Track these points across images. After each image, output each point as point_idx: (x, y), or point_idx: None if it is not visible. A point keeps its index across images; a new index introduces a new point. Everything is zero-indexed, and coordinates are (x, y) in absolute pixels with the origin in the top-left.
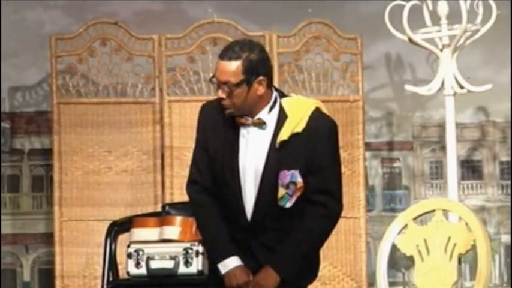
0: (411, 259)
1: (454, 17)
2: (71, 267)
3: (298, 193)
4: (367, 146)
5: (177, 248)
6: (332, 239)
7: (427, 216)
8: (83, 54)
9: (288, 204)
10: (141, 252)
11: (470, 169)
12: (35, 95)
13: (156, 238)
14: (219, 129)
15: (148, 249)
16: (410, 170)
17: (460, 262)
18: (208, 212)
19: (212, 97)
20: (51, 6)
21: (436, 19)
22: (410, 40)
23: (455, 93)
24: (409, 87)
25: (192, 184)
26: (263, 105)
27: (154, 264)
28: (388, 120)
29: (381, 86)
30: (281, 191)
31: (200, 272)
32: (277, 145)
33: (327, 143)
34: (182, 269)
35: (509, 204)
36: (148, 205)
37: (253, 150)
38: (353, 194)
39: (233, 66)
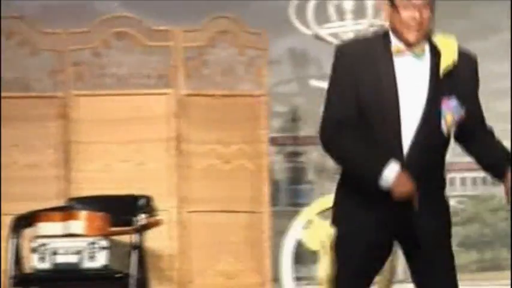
0: (316, 254)
1: (362, 12)
2: None
3: (459, 122)
4: (272, 140)
5: (82, 243)
6: (239, 234)
7: None
8: None
9: (453, 129)
10: (45, 247)
11: None
12: None
13: (61, 232)
14: (369, 64)
15: (53, 244)
16: (315, 165)
17: None
18: (355, 138)
19: (119, 91)
20: None
21: (342, 14)
22: (316, 35)
23: None
24: (314, 82)
25: (334, 124)
26: None
27: (59, 259)
28: (294, 114)
29: (287, 81)
30: (448, 117)
31: (105, 267)
32: (442, 71)
33: (476, 76)
34: (87, 264)
35: None
36: (53, 199)
37: (412, 80)
38: (258, 189)
39: None
